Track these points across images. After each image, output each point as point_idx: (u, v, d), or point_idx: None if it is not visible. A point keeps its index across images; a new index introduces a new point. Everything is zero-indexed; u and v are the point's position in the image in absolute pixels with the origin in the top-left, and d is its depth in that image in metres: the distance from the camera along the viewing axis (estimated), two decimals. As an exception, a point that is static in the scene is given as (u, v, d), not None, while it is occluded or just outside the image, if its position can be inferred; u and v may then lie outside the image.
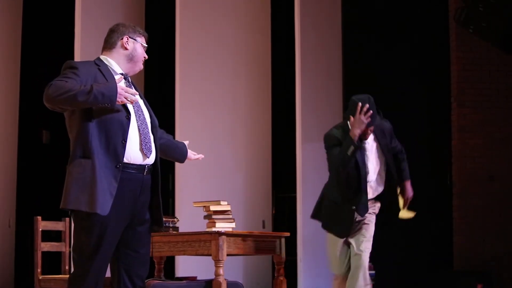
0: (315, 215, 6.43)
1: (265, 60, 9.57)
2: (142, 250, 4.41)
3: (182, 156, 4.81)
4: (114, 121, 4.22)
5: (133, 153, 4.28)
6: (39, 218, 6.38)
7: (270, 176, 9.42)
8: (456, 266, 9.10)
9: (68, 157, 4.32)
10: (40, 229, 6.34)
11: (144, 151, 4.31)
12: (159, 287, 5.87)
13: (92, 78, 4.24)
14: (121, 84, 4.25)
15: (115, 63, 4.43)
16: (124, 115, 4.25)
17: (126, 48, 4.43)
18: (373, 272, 8.29)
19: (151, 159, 4.36)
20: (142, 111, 4.39)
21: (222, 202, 6.00)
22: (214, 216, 5.93)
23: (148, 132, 4.36)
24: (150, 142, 4.35)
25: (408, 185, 6.41)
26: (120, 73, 4.42)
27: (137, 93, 4.33)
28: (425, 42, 9.44)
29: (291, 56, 9.25)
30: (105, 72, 4.34)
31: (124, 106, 4.26)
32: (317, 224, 8.86)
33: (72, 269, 4.38)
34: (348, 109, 6.11)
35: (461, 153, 9.25)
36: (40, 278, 6.21)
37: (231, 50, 9.40)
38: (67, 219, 6.73)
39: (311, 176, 8.84)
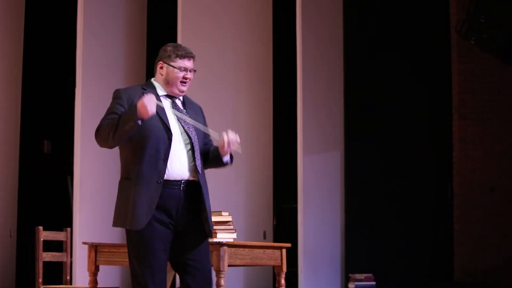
0: None
1: (266, 70, 9.58)
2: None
3: (221, 162, 4.82)
4: (157, 140, 4.41)
5: (172, 170, 4.43)
6: (41, 228, 6.39)
7: (271, 187, 9.42)
8: (456, 277, 9.09)
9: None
10: (41, 239, 6.35)
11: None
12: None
13: (130, 102, 4.46)
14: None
15: (159, 86, 4.63)
16: (166, 136, 4.44)
17: (161, 74, 4.61)
18: (373, 283, 8.29)
19: (189, 175, 4.48)
20: (185, 130, 4.54)
21: (223, 213, 6.01)
22: (215, 227, 5.93)
23: (188, 151, 4.51)
24: (189, 160, 4.49)
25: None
26: (164, 95, 4.61)
27: (152, 95, 4.40)
28: (426, 54, 9.45)
29: (292, 67, 9.26)
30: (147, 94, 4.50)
31: (166, 127, 4.44)
32: (318, 235, 8.90)
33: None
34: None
35: (462, 164, 9.25)
36: (41, 288, 6.21)
37: (232, 61, 9.41)
38: (68, 229, 6.73)
39: (312, 187, 8.84)
